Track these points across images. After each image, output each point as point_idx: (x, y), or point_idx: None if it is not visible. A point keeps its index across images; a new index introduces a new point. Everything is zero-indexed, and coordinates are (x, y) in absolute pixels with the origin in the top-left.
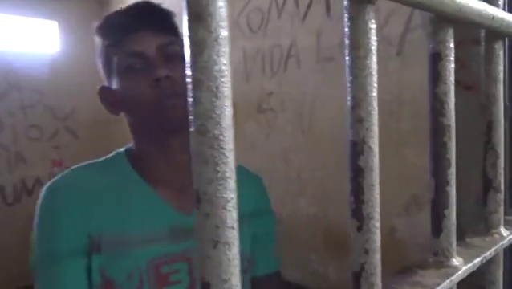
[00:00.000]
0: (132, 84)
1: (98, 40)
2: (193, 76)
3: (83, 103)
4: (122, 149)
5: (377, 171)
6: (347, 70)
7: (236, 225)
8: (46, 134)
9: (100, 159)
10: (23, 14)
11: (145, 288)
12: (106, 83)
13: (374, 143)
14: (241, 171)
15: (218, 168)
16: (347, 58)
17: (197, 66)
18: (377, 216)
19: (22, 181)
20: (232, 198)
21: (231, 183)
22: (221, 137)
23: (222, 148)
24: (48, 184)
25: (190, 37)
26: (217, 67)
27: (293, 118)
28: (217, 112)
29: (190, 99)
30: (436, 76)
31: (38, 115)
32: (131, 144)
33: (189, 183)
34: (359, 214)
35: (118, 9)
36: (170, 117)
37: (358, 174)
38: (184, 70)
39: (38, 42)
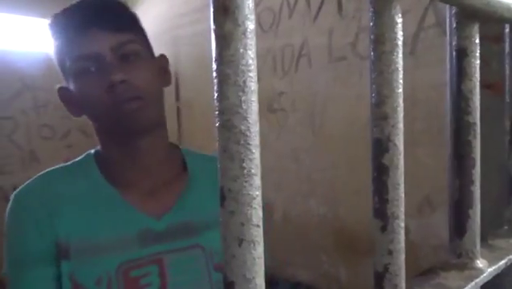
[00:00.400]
0: (88, 89)
1: (50, 39)
2: (219, 70)
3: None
4: (92, 151)
5: (402, 169)
6: (372, 66)
7: (261, 223)
8: (59, 133)
9: (70, 162)
10: (36, 15)
11: None
12: (64, 83)
13: (399, 140)
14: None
15: (244, 165)
16: (371, 53)
17: (224, 60)
18: (402, 216)
19: None
20: (257, 195)
21: (257, 180)
22: (247, 133)
23: (248, 144)
24: (16, 190)
25: (216, 30)
26: (243, 61)
27: (304, 118)
28: (244, 107)
29: (216, 94)
30: (460, 73)
31: (51, 114)
32: (99, 147)
33: (159, 186)
34: (383, 214)
35: (69, 5)
36: (131, 122)
37: (382, 173)
38: (143, 69)
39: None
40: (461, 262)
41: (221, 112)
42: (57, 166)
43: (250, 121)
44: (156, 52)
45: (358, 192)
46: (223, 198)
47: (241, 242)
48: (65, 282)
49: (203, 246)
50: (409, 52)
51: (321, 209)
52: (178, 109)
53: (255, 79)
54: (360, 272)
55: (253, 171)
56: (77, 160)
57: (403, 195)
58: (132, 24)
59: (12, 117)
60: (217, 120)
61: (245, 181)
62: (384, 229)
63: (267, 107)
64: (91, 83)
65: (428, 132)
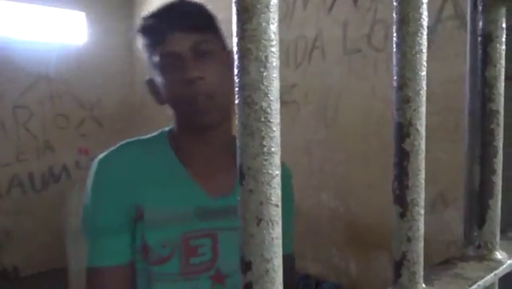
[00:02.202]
0: (170, 82)
1: (139, 39)
2: (241, 45)
3: (108, 93)
4: (166, 129)
5: (423, 155)
6: (395, 47)
7: (280, 203)
8: (73, 123)
9: (146, 136)
10: (52, 5)
11: (175, 256)
12: (151, 76)
13: (421, 125)
14: None
15: (264, 143)
16: (394, 34)
17: (246, 34)
18: (422, 202)
19: (50, 168)
20: (277, 175)
21: (276, 159)
22: (268, 110)
23: (269, 121)
24: (100, 157)
25: (238, 3)
26: (266, 36)
27: (316, 110)
28: (265, 83)
29: (236, 69)
30: (485, 59)
31: (66, 104)
32: (172, 127)
33: (219, 171)
34: (402, 200)
35: (155, 9)
36: (203, 118)
37: (403, 158)
38: (216, 67)
39: (66, 32)
40: (480, 253)
41: (242, 88)
42: (135, 138)
43: (272, 98)
44: None
45: (370, 186)
46: (242, 176)
47: (259, 221)
48: (137, 241)
49: None
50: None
51: (332, 202)
52: None
53: (277, 54)
54: (370, 266)
55: (273, 149)
56: (152, 135)
57: (423, 182)
58: (208, 25)
59: (28, 107)
60: (237, 96)
61: (265, 160)
62: (403, 215)
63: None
64: (172, 77)
65: (443, 127)
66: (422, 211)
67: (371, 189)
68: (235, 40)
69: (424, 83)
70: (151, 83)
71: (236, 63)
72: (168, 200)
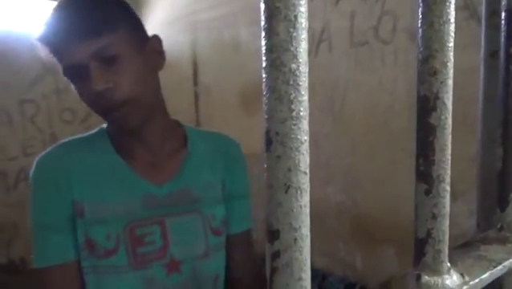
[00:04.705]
0: (80, 93)
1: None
2: (269, 3)
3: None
4: (104, 126)
5: (450, 130)
6: (421, 18)
7: (308, 170)
8: (79, 117)
9: (85, 134)
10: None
11: (121, 247)
12: None
13: (448, 98)
14: (225, 139)
15: (293, 107)
16: (420, 4)
17: None
18: (448, 179)
19: None
20: (305, 140)
21: (305, 124)
22: (297, 72)
23: (298, 84)
24: (38, 157)
25: None
26: None
27: (323, 103)
28: (294, 45)
29: (264, 31)
30: (510, 36)
31: (72, 98)
32: None
33: (161, 158)
34: (428, 176)
35: (50, 13)
36: (123, 125)
37: (429, 133)
38: (127, 70)
39: None
40: (503, 236)
41: (269, 50)
42: (74, 137)
43: (301, 60)
44: (174, 38)
45: (377, 180)
46: (269, 142)
47: (287, 188)
48: (79, 238)
49: (201, 211)
50: None
51: (339, 196)
52: (196, 94)
53: (306, 14)
54: (377, 260)
55: (302, 114)
56: (91, 132)
57: (450, 157)
58: (111, 25)
59: (34, 100)
60: (264, 58)
61: (294, 124)
62: (428, 192)
63: None
64: (81, 90)
65: (453, 119)
66: (448, 188)
67: (378, 182)
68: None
69: (451, 55)
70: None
71: (263, 23)
72: (109, 193)
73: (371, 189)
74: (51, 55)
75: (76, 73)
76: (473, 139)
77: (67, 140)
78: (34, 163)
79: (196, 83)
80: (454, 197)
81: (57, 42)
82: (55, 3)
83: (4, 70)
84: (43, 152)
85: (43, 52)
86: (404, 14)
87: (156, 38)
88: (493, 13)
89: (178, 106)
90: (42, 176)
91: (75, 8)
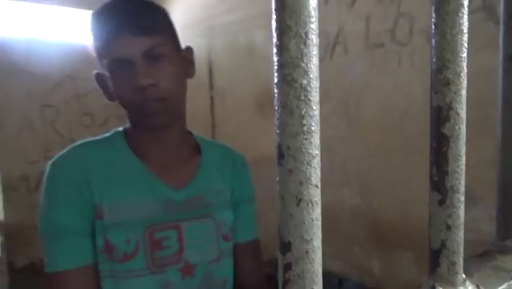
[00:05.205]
0: (120, 86)
1: (89, 36)
2: (280, 21)
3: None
4: (120, 128)
5: (464, 140)
6: (434, 28)
7: (319, 184)
8: (98, 121)
9: (100, 137)
10: (78, 7)
11: (140, 251)
12: (101, 70)
13: (462, 108)
14: (229, 148)
15: (304, 122)
16: (433, 15)
17: (285, 9)
18: (462, 189)
19: None
20: (317, 154)
21: (316, 138)
22: (308, 88)
23: (309, 99)
24: (53, 159)
25: None
26: (306, 12)
27: (338, 106)
28: (305, 61)
29: (275, 47)
30: None
31: (91, 103)
32: (128, 125)
33: (176, 163)
34: (441, 187)
35: (104, 6)
36: (154, 120)
37: (442, 143)
38: (169, 70)
39: None
40: None
41: (281, 66)
42: (88, 139)
43: (311, 76)
44: (190, 42)
45: (393, 183)
46: (281, 156)
47: (299, 201)
48: (98, 241)
49: (214, 217)
50: None
51: (354, 199)
52: (212, 98)
53: (317, 31)
54: (394, 265)
55: (313, 128)
56: (106, 135)
57: (464, 167)
58: (161, 27)
59: (54, 106)
60: (276, 74)
61: (305, 139)
62: (442, 202)
63: None
64: (124, 82)
65: (471, 122)
66: (462, 198)
67: (394, 186)
68: (274, 16)
69: (465, 65)
70: (99, 77)
71: (275, 40)
72: (129, 195)
73: (386, 193)
74: (96, 48)
75: (120, 67)
76: (492, 142)
77: (82, 141)
78: (49, 165)
79: (211, 87)
80: (473, 201)
81: (112, 34)
82: (75, 11)
83: (27, 76)
84: (59, 154)
85: (88, 37)
86: (420, 16)
87: (189, 48)
88: (509, 18)
89: (194, 110)
90: (61, 177)
91: (129, 5)
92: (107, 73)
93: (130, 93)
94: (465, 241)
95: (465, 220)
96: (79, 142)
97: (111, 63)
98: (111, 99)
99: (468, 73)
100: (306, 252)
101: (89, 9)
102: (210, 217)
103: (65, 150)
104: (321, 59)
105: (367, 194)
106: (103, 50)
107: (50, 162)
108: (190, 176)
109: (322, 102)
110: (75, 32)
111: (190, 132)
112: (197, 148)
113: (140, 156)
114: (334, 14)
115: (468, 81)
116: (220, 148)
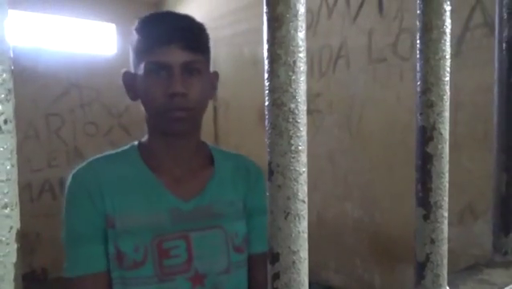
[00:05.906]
0: (151, 87)
1: (135, 36)
2: (271, 50)
3: (135, 102)
4: (136, 142)
5: (447, 158)
6: (418, 54)
7: (306, 199)
8: (102, 130)
9: (117, 150)
10: (84, 17)
11: (149, 259)
12: (131, 70)
13: (445, 129)
14: (245, 159)
15: (292, 142)
16: (418, 41)
17: (275, 40)
18: (445, 205)
19: None
20: (304, 172)
21: (303, 157)
22: (295, 111)
23: (297, 121)
24: (74, 170)
25: (269, 12)
26: (294, 42)
27: (340, 119)
28: (293, 86)
29: (266, 73)
30: (511, 66)
31: (95, 112)
32: (144, 138)
33: (188, 174)
34: (426, 203)
35: (157, 13)
36: (176, 126)
37: (426, 161)
38: (200, 85)
39: (96, 44)
40: (507, 260)
41: (271, 91)
42: (106, 153)
43: (299, 100)
44: None
45: (395, 196)
46: (271, 173)
47: (287, 215)
48: (110, 249)
49: (224, 228)
50: (454, 54)
51: (357, 212)
52: (215, 108)
53: (304, 59)
54: (396, 278)
55: (300, 148)
56: (123, 148)
57: (447, 184)
58: (204, 47)
59: (59, 114)
60: (266, 98)
61: (293, 157)
62: (426, 217)
63: None
64: (155, 84)
65: (472, 137)
66: (446, 214)
67: (397, 199)
68: (266, 46)
69: (447, 88)
70: (127, 76)
71: (266, 67)
72: (138, 206)
73: (389, 206)
74: (138, 48)
75: (157, 70)
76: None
77: (99, 156)
78: (71, 176)
79: (215, 98)
80: (475, 216)
81: (159, 41)
82: (81, 22)
83: (33, 85)
84: (79, 166)
85: (131, 40)
86: None
87: (216, 73)
88: (501, 40)
89: None
90: (77, 188)
91: (184, 21)
92: (140, 73)
93: (161, 97)
94: (470, 255)
95: (468, 234)
96: (97, 156)
97: (150, 65)
98: (133, 98)
99: (470, 88)
100: (293, 262)
101: (95, 19)
102: (220, 228)
103: (84, 162)
104: (324, 73)
105: (369, 207)
106: (147, 51)
107: (71, 173)
108: (200, 186)
109: (324, 115)
110: (81, 42)
111: (205, 143)
112: (210, 159)
113: (151, 167)
114: (337, 28)
115: (470, 95)
116: (234, 159)
